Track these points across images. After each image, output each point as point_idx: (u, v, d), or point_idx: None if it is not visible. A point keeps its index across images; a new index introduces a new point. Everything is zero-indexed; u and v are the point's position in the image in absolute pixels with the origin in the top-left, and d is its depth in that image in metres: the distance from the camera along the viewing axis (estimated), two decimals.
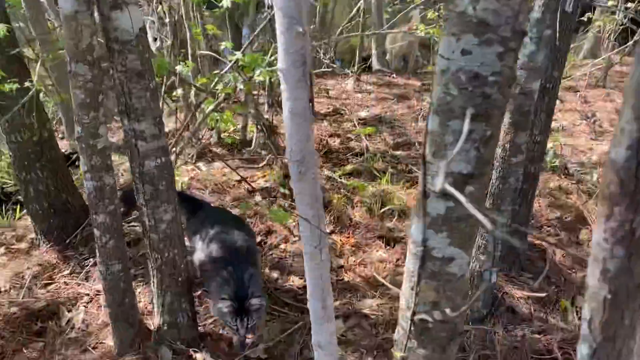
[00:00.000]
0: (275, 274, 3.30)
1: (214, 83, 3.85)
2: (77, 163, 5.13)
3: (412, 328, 0.85)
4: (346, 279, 3.24)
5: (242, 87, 3.74)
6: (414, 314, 0.83)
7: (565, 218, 3.57)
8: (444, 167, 0.56)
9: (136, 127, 2.35)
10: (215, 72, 3.87)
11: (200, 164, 4.68)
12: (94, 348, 2.74)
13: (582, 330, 0.65)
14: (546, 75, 2.58)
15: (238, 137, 5.07)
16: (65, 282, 3.30)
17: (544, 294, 2.82)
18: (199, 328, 2.85)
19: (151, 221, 2.52)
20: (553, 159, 4.18)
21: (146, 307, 2.98)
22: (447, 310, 0.80)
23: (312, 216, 1.12)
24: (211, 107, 4.11)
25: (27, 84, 3.03)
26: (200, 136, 4.86)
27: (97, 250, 2.50)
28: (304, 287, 3.24)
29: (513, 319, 2.77)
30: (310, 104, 0.98)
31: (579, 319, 2.77)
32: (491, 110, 0.67)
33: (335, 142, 5.02)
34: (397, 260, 3.37)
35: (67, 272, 3.39)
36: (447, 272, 0.79)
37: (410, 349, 0.87)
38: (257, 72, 3.77)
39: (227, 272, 2.60)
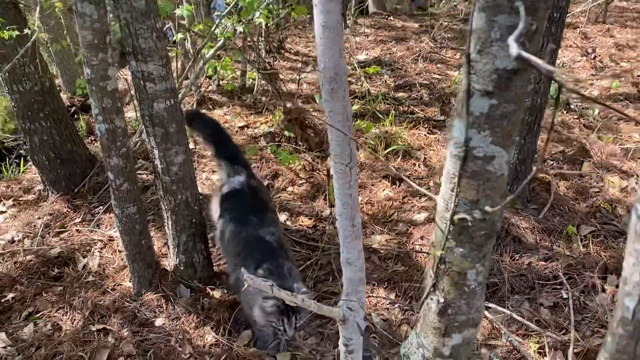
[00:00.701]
0: (284, 216, 3.36)
1: (213, 27, 3.79)
2: (76, 116, 5.10)
3: (450, 228, 0.89)
4: None
5: (241, 29, 3.68)
6: (453, 214, 0.87)
7: (568, 152, 3.62)
8: (515, 35, 0.58)
9: (144, 68, 2.34)
10: (217, 13, 3.80)
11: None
12: (112, 289, 2.81)
13: None
14: (553, 2, 2.56)
15: (238, 84, 5.03)
16: (77, 230, 3.35)
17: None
18: (214, 268, 2.93)
19: (163, 164, 2.54)
20: (554, 93, 4.18)
21: (160, 251, 3.05)
22: (487, 208, 0.84)
23: (342, 137, 1.15)
24: (211, 51, 4.06)
25: (26, 30, 2.97)
26: (200, 84, 4.82)
27: (111, 194, 2.53)
28: (314, 226, 3.32)
29: (519, 248, 2.85)
30: (343, 18, 0.99)
31: (584, 246, 2.86)
32: (537, 3, 0.68)
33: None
34: (403, 198, 3.43)
35: (78, 220, 3.44)
36: (487, 171, 0.82)
37: (449, 248, 0.91)
38: (257, 14, 3.71)
39: (264, 269, 2.36)
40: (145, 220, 2.69)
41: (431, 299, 1.00)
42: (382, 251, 3.01)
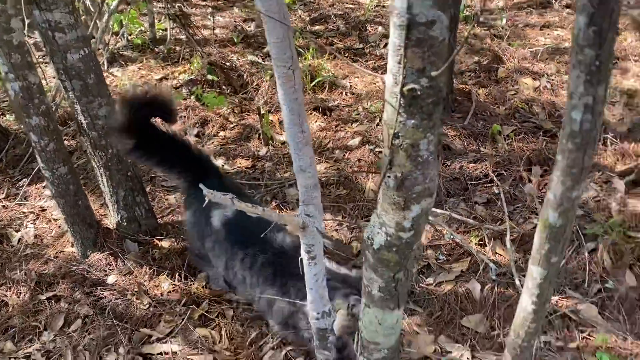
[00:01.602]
0: (220, 161, 3.34)
1: None
2: None
3: (401, 102, 0.93)
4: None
5: None
6: (403, 86, 0.91)
7: (483, 61, 3.79)
8: None
9: (49, 17, 2.18)
10: None
11: (113, 71, 4.44)
12: (55, 257, 2.72)
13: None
14: None
15: (148, 37, 4.80)
16: (3, 206, 3.17)
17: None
18: (158, 220, 2.89)
19: (87, 118, 2.43)
20: (463, 10, 4.32)
21: (98, 212, 2.96)
22: (433, 72, 0.89)
23: (281, 37, 1.15)
24: (115, 2, 3.83)
25: None
26: (107, 41, 4.56)
27: (37, 157, 2.41)
28: (253, 166, 3.32)
29: (450, 155, 3.01)
30: None
31: (507, 144, 3.06)
32: None
33: (250, 27, 4.89)
34: (336, 126, 3.49)
35: (2, 196, 3.25)
36: (431, 37, 0.86)
37: (401, 122, 0.96)
38: None
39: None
40: (78, 180, 2.59)
41: (389, 176, 1.05)
42: (323, 179, 3.08)
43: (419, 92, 0.92)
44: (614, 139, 2.98)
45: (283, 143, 3.42)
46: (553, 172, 0.77)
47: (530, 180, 2.84)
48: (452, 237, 2.63)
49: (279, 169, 3.22)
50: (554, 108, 3.31)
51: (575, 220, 2.56)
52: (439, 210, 2.77)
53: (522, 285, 2.38)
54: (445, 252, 2.61)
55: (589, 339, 2.15)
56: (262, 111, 3.34)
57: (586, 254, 2.44)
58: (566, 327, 2.22)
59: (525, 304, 0.94)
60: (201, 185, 1.17)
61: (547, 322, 2.23)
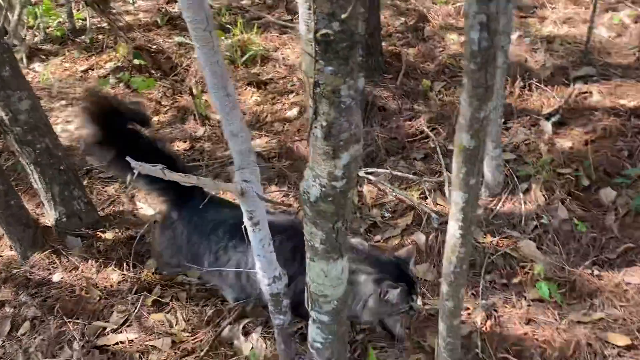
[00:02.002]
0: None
1: None
2: None
3: (317, 48, 0.95)
4: None
5: None
6: (316, 32, 0.92)
7: (409, 22, 3.85)
8: None
9: None
10: None
11: (34, 66, 4.24)
12: None
13: None
14: None
15: (67, 28, 4.59)
16: None
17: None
18: (99, 212, 2.81)
19: (8, 114, 2.32)
20: None
21: (35, 211, 2.84)
22: (343, 15, 0.90)
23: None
24: None
25: None
26: (23, 36, 4.33)
27: None
28: (191, 147, 3.27)
29: (386, 115, 3.07)
30: None
31: (439, 100, 3.14)
32: None
33: (174, 8, 4.75)
34: (272, 99, 3.48)
35: None
36: None
37: (319, 70, 0.97)
38: None
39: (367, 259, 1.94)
40: (8, 180, 2.48)
41: (315, 127, 1.07)
42: (265, 152, 3.07)
43: (332, 37, 0.93)
44: (537, 84, 3.11)
45: (220, 122, 3.38)
46: (461, 96, 0.81)
47: None
48: (395, 194, 2.69)
49: (218, 148, 3.19)
50: None
51: (508, 164, 2.68)
52: (380, 170, 2.84)
53: None
54: (390, 209, 2.67)
55: (530, 272, 2.27)
56: (195, 91, 3.29)
57: (521, 195, 2.56)
58: (508, 264, 2.34)
59: (453, 230, 0.98)
60: (128, 158, 1.14)
61: (490, 262, 2.34)
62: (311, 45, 0.95)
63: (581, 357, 2.01)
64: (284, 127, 3.25)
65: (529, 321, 2.14)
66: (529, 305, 2.19)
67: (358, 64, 1.02)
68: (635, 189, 2.48)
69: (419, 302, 1.92)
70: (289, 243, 2.00)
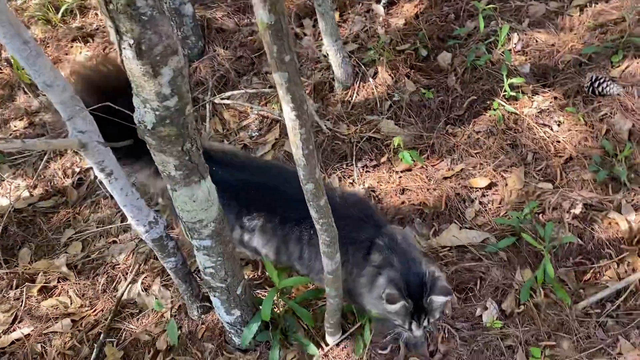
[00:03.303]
0: None
1: None
2: None
3: None
4: None
5: None
6: None
7: None
8: None
9: None
10: None
11: None
12: None
13: None
14: None
15: None
16: None
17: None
18: None
19: None
20: None
21: None
22: None
23: None
24: None
25: None
26: None
27: None
28: (30, 124, 2.98)
29: (226, 36, 2.97)
30: None
31: None
32: None
33: None
34: (104, 49, 3.22)
35: None
36: None
37: None
38: None
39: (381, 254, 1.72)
40: None
41: (124, 48, 1.01)
42: None
43: None
44: None
45: None
46: None
47: (305, 34, 2.95)
48: (257, 112, 2.68)
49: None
50: None
51: (353, 55, 2.75)
52: (235, 92, 2.80)
53: (327, 129, 2.54)
54: (255, 128, 2.67)
55: (394, 148, 2.41)
56: (13, 61, 2.95)
57: (371, 80, 2.66)
58: (375, 147, 2.47)
59: (288, 114, 1.00)
60: None
61: (359, 150, 2.46)
62: None
63: (452, 207, 2.22)
64: None
65: (403, 191, 2.30)
66: (400, 178, 2.35)
67: None
68: (467, 47, 2.67)
69: (419, 332, 1.67)
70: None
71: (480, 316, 1.91)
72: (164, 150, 1.21)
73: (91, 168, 2.64)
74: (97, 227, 2.44)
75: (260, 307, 1.80)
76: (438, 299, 1.60)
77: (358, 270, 1.72)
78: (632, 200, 2.08)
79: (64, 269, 2.29)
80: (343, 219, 1.58)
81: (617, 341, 1.79)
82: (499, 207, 2.20)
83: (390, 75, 2.64)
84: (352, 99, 2.65)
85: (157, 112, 1.12)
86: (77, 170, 2.67)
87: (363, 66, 2.70)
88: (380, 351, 1.87)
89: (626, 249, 1.97)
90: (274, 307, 1.94)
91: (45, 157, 2.71)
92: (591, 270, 1.96)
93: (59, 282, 2.28)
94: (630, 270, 1.93)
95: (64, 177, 2.65)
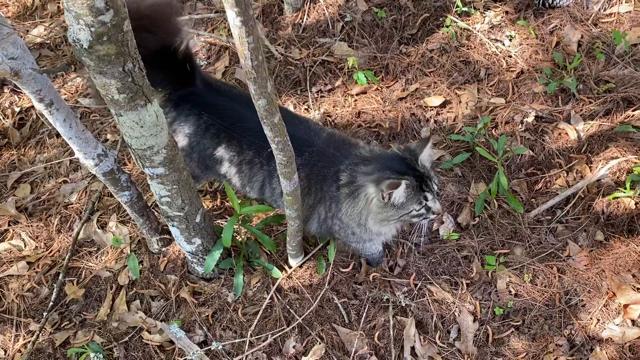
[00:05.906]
0: None
1: None
2: None
3: None
4: None
5: None
6: None
7: None
8: None
9: None
10: None
11: None
12: None
13: None
14: None
15: None
16: None
17: None
18: None
19: None
20: None
21: None
22: None
23: None
24: None
25: None
26: None
27: None
28: None
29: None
30: None
31: None
32: None
33: None
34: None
35: None
36: None
37: None
38: None
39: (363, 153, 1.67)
40: None
41: None
42: (49, 42, 2.71)
43: None
44: None
45: None
46: None
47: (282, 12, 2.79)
48: (204, 39, 2.56)
49: None
50: None
51: None
52: (181, 18, 2.66)
53: (279, 54, 2.46)
54: (204, 57, 2.56)
55: (348, 70, 2.37)
56: None
57: (321, 0, 2.57)
58: (328, 71, 2.42)
59: (233, 19, 0.94)
60: None
61: (312, 74, 2.40)
62: None
63: (408, 127, 2.23)
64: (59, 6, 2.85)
65: (359, 114, 2.29)
66: (355, 101, 2.33)
67: None
68: None
69: (437, 204, 1.58)
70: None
71: (437, 230, 1.97)
72: (103, 71, 1.14)
73: (33, 107, 2.53)
74: (45, 168, 2.34)
75: (222, 235, 1.79)
76: (425, 153, 1.55)
77: (337, 204, 1.65)
78: (581, 110, 2.13)
79: (13, 211, 2.20)
80: (318, 155, 1.63)
81: (566, 245, 1.89)
82: (454, 124, 2.22)
83: None
84: (302, 21, 2.56)
85: (92, 29, 1.04)
86: (17, 110, 2.53)
87: None
88: (342, 269, 1.91)
89: (575, 158, 2.04)
90: (236, 235, 1.94)
91: None
92: (542, 180, 2.03)
93: (9, 225, 2.20)
94: (579, 177, 2.01)
95: (3, 118, 2.50)
